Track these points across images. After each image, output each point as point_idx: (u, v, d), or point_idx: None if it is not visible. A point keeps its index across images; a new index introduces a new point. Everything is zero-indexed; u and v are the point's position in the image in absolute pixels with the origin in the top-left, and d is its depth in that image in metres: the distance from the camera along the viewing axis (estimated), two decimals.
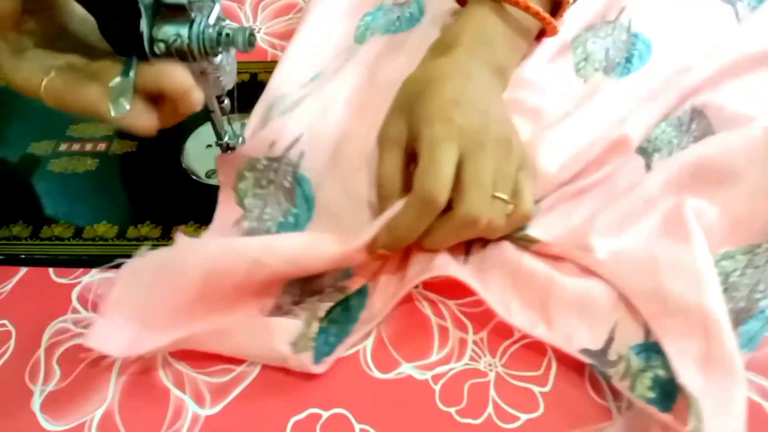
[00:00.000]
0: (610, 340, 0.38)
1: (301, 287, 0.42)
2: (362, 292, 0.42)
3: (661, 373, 0.36)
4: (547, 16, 0.48)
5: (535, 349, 0.40)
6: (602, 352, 0.38)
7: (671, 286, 0.37)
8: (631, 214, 0.42)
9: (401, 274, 0.42)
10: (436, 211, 0.39)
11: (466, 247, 0.43)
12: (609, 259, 0.40)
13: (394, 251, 0.41)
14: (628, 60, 0.50)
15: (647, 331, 0.38)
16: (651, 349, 0.37)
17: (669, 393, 0.35)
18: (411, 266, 0.42)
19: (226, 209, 0.45)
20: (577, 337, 0.38)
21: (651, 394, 0.35)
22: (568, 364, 0.39)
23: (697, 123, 0.46)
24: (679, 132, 0.46)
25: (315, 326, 0.39)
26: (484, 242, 0.43)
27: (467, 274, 0.40)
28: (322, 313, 0.39)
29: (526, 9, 0.47)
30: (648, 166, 0.46)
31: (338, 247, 0.40)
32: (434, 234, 0.40)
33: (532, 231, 0.42)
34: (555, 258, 0.42)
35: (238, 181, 0.45)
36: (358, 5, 0.57)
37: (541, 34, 0.51)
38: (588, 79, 0.50)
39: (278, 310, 0.41)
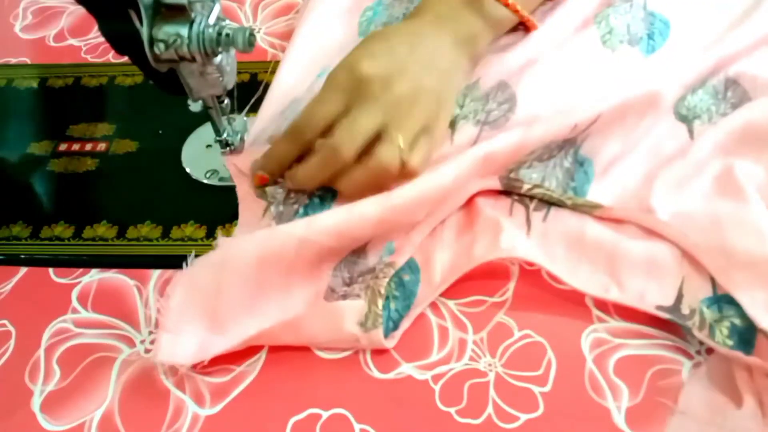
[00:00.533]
0: (680, 296, 0.40)
1: (349, 269, 0.43)
2: (413, 267, 0.43)
3: (736, 321, 0.38)
4: (525, 13, 0.48)
5: (535, 349, 0.40)
6: (675, 308, 0.39)
7: (736, 240, 0.40)
8: (686, 178, 0.44)
9: (462, 247, 0.43)
10: (300, 143, 0.42)
11: (527, 221, 0.44)
12: (672, 220, 0.42)
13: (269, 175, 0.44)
14: (650, 36, 0.51)
15: (714, 285, 0.40)
16: (721, 300, 0.39)
17: (747, 339, 0.38)
18: (476, 243, 0.43)
19: (248, 205, 0.45)
20: (650, 295, 0.40)
21: (730, 342, 0.38)
22: (568, 364, 0.39)
23: (732, 91, 0.48)
24: (716, 100, 0.48)
25: (380, 303, 0.40)
26: (544, 215, 0.44)
27: (535, 252, 0.42)
28: (382, 290, 0.40)
29: (506, 4, 0.47)
30: (690, 132, 0.47)
31: (376, 208, 0.41)
32: (305, 165, 0.42)
33: (592, 196, 0.44)
34: (616, 222, 0.43)
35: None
36: (357, 1, 0.57)
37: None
38: (615, 50, 0.50)
39: (333, 293, 0.41)
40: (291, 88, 0.51)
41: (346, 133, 0.41)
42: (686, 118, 0.48)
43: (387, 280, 0.41)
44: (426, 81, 0.43)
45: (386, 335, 0.40)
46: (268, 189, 0.44)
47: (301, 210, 0.44)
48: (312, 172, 0.42)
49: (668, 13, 0.52)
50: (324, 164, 0.42)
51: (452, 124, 0.46)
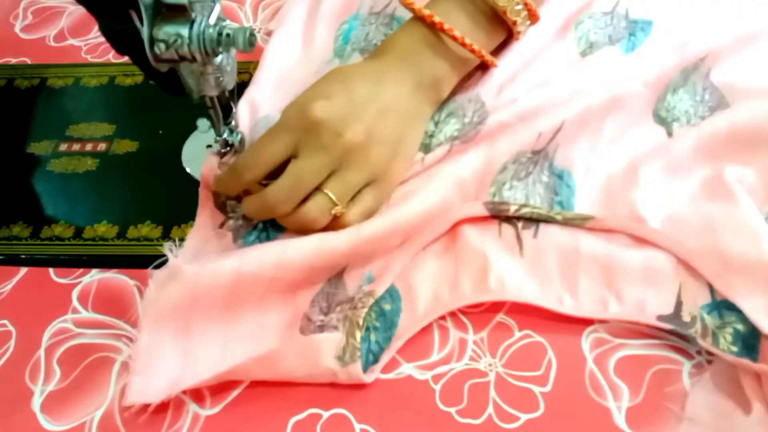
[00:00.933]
0: (679, 303, 0.39)
1: (327, 298, 0.41)
2: (394, 295, 0.41)
3: (739, 327, 0.38)
4: (484, 52, 0.46)
5: (535, 349, 0.40)
6: (676, 315, 0.39)
7: (730, 245, 0.39)
8: (671, 178, 0.44)
9: (447, 280, 0.42)
10: (242, 182, 0.42)
11: (518, 240, 0.43)
12: (663, 226, 0.42)
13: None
14: (632, 34, 0.51)
15: (712, 290, 0.39)
16: (721, 306, 0.39)
17: (751, 345, 0.37)
18: (462, 277, 0.41)
19: (208, 211, 0.45)
20: (650, 305, 0.40)
21: (735, 348, 0.37)
22: (568, 364, 0.39)
23: (709, 94, 0.48)
24: (695, 102, 0.47)
25: (358, 335, 0.39)
26: (533, 232, 0.43)
27: (525, 287, 0.41)
28: (360, 321, 0.39)
29: (462, 43, 0.44)
30: (669, 134, 0.47)
31: (347, 241, 0.41)
32: (246, 203, 0.42)
33: (580, 208, 0.43)
34: (607, 231, 0.42)
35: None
36: (337, 12, 0.56)
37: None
38: (593, 54, 0.50)
39: (309, 323, 0.40)
40: (267, 107, 0.50)
41: (288, 186, 0.40)
42: (665, 121, 0.47)
43: (365, 310, 0.40)
44: (381, 130, 0.42)
45: (365, 369, 0.38)
46: (229, 203, 0.45)
47: (260, 225, 0.44)
48: (252, 212, 0.42)
49: (652, 15, 0.52)
50: (261, 209, 0.42)
51: (426, 147, 0.46)
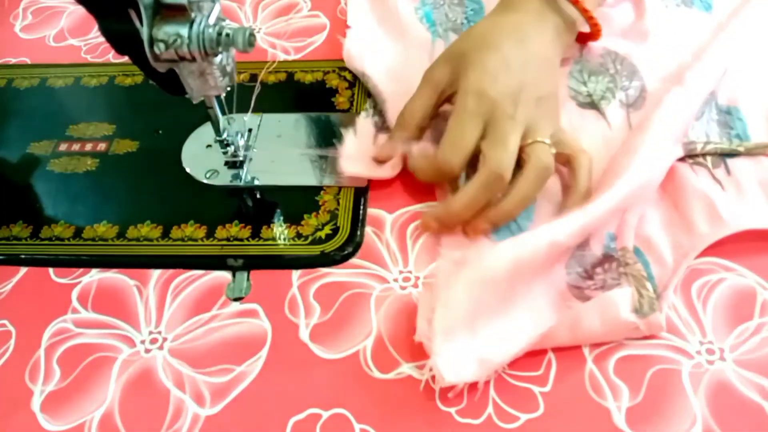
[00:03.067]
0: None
1: (580, 262, 0.42)
2: (636, 252, 0.43)
3: None
4: (596, 19, 0.50)
5: (535, 349, 0.40)
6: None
7: None
8: None
9: (681, 228, 0.44)
10: (446, 176, 0.44)
11: (716, 180, 0.45)
12: None
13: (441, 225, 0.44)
14: None
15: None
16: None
17: None
18: (694, 221, 0.43)
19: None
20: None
21: None
22: (568, 364, 0.39)
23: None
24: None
25: (649, 286, 0.40)
26: (724, 170, 0.46)
27: (754, 215, 0.44)
28: (644, 273, 0.41)
29: (582, 9, 0.48)
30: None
31: (608, 202, 0.42)
32: (463, 194, 0.43)
33: (757, 138, 0.47)
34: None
35: None
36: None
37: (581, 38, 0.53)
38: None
39: (580, 291, 0.41)
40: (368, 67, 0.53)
41: (503, 156, 0.43)
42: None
43: (639, 265, 0.41)
44: (544, 86, 0.46)
45: None
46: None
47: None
48: (471, 199, 0.43)
49: None
50: (486, 188, 0.43)
51: (595, 106, 0.50)
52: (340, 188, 0.47)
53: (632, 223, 0.43)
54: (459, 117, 0.44)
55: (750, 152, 0.46)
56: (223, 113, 0.46)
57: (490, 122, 0.44)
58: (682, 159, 0.46)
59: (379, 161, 0.47)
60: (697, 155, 0.46)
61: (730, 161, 0.46)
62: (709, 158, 0.46)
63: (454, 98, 0.46)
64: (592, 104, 0.50)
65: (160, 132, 0.52)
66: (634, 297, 0.39)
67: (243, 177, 0.49)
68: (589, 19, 0.49)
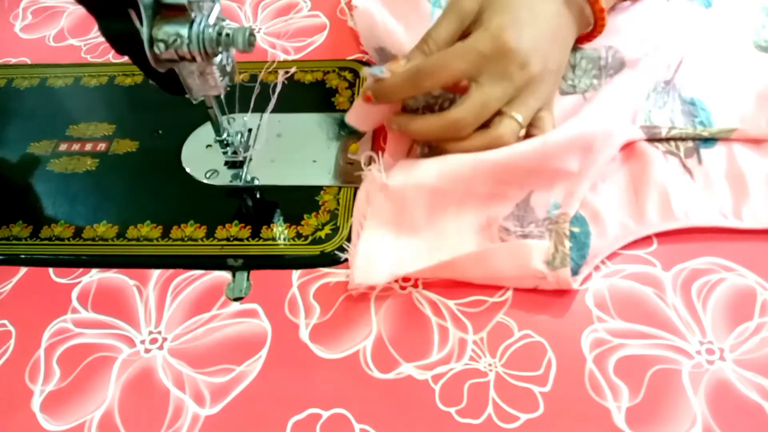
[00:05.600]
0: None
1: (519, 220, 0.44)
2: (580, 220, 0.44)
3: None
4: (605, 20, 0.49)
5: (535, 349, 0.40)
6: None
7: None
8: None
9: (632, 208, 0.45)
10: (418, 88, 0.43)
11: (686, 169, 0.47)
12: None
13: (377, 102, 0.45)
14: None
15: None
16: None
17: None
18: (647, 205, 0.44)
19: (392, 143, 0.48)
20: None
21: None
22: (568, 364, 0.39)
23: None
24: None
25: (567, 243, 0.41)
26: (696, 160, 0.47)
27: (707, 211, 0.44)
28: (567, 232, 0.42)
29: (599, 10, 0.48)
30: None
31: (535, 146, 0.43)
32: (427, 122, 0.44)
33: (720, 124, 0.48)
34: (756, 144, 0.47)
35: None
36: None
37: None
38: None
39: (508, 233, 0.43)
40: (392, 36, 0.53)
41: (475, 111, 0.43)
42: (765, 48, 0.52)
43: (567, 225, 0.42)
44: (553, 61, 0.45)
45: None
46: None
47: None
48: (427, 131, 0.44)
49: None
50: (443, 130, 0.43)
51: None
52: (340, 188, 0.48)
53: (579, 195, 0.44)
54: (465, 46, 0.43)
55: (714, 136, 0.47)
56: (223, 113, 0.46)
57: (489, 67, 0.43)
58: (654, 146, 0.47)
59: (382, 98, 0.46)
60: (666, 140, 0.47)
61: (703, 151, 0.47)
62: (682, 147, 0.47)
63: (470, 27, 0.45)
64: (574, 93, 0.50)
65: (160, 132, 0.52)
66: (550, 250, 0.41)
67: (243, 177, 0.49)
68: (600, 20, 0.48)
